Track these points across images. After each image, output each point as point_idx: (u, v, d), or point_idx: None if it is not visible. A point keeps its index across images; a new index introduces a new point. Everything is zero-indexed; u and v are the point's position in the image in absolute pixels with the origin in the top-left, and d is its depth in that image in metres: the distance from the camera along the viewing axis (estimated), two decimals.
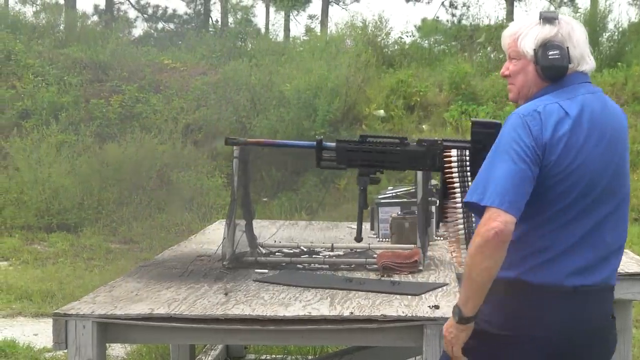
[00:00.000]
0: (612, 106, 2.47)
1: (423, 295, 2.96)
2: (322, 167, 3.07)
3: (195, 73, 15.33)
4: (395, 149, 2.93)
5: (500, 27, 18.71)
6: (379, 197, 4.51)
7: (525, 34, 2.43)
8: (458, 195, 2.67)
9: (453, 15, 27.49)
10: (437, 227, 4.36)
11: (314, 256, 3.75)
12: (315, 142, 3.04)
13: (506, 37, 2.51)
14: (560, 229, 2.30)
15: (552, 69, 2.37)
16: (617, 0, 39.12)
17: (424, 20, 23.36)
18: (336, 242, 4.11)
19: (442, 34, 19.89)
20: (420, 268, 3.43)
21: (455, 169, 2.70)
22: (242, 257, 3.61)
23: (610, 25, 17.34)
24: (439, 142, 2.87)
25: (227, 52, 16.55)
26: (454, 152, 2.74)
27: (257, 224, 3.98)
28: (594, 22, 17.00)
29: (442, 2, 27.39)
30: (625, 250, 4.15)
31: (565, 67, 2.37)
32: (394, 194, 4.49)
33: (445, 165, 2.73)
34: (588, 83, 2.43)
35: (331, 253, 3.81)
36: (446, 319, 2.50)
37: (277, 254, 3.80)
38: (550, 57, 2.36)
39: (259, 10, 31.73)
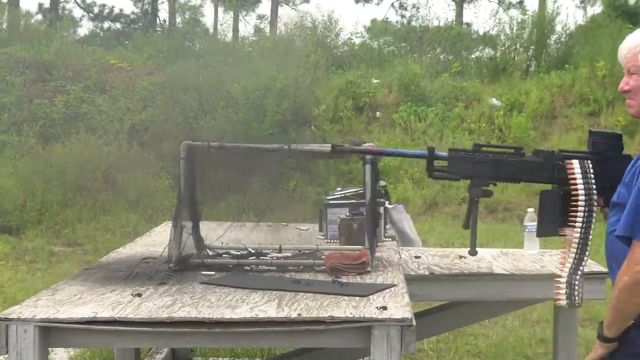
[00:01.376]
0: None
1: (371, 296, 2.95)
2: (434, 177, 2.94)
3: (142, 73, 15.17)
4: (511, 159, 2.81)
5: (449, 28, 18.93)
6: (328, 198, 4.50)
7: None
8: (581, 206, 2.60)
9: (403, 16, 27.73)
10: (385, 227, 4.41)
11: (261, 258, 3.72)
12: (427, 152, 2.91)
13: (624, 50, 2.47)
14: None
15: None
16: (564, 3, 39.74)
17: (373, 21, 23.51)
18: (284, 243, 4.08)
19: (391, 35, 20.02)
20: (369, 269, 3.42)
21: (580, 180, 2.62)
22: (189, 259, 3.56)
23: (558, 28, 17.66)
24: (557, 153, 2.79)
25: (175, 52, 16.39)
26: (575, 162, 2.65)
27: (204, 225, 3.93)
28: (542, 25, 17.29)
29: (392, 4, 27.61)
30: None
31: None
32: (342, 195, 4.49)
33: (570, 176, 2.64)
34: None
35: (279, 254, 3.79)
36: (394, 319, 2.53)
37: (224, 255, 3.75)
38: None
39: (208, 10, 31.50)
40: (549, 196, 2.73)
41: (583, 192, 2.62)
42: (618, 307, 2.31)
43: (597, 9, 21.71)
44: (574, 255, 2.62)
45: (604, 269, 3.85)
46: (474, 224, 2.90)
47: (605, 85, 14.49)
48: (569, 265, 2.62)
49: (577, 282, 2.60)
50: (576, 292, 2.61)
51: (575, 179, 2.63)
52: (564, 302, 2.62)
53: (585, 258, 2.62)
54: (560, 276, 2.62)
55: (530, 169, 2.80)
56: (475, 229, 2.93)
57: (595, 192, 2.63)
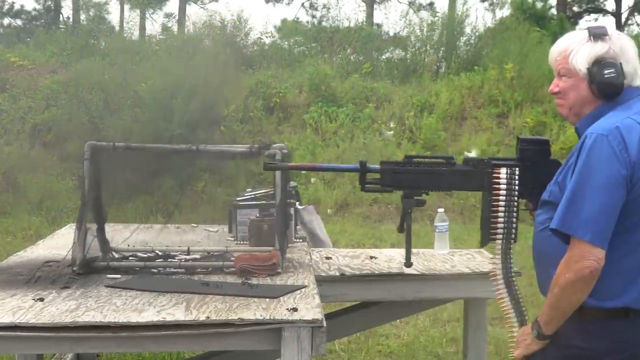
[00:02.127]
0: None
1: (281, 298, 2.93)
2: (366, 190, 2.96)
3: (44, 71, 14.78)
4: (442, 169, 2.86)
5: (360, 29, 19.09)
6: (237, 199, 4.45)
7: (576, 50, 2.42)
8: (501, 215, 2.68)
9: (313, 16, 27.85)
10: (296, 228, 4.38)
11: (169, 260, 3.66)
12: (359, 165, 2.91)
13: (555, 53, 2.50)
14: None
15: (609, 87, 2.37)
16: (474, 6, 40.64)
17: (284, 21, 23.50)
18: (193, 245, 4.03)
19: (302, 35, 20.03)
20: (279, 270, 3.40)
21: (503, 187, 2.69)
22: (94, 262, 3.47)
23: (468, 30, 18.01)
24: (487, 161, 2.82)
25: (79, 50, 16.02)
26: (503, 170, 2.71)
27: (109, 227, 3.85)
28: (452, 27, 17.60)
29: (302, 4, 27.69)
30: (480, 250, 4.30)
31: (622, 85, 2.37)
32: (252, 196, 4.44)
33: (494, 183, 2.70)
34: None
35: (187, 257, 3.73)
36: (305, 321, 2.56)
37: (130, 258, 3.69)
38: (606, 75, 2.36)
39: (113, 7, 30.93)
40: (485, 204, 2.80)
41: (504, 197, 2.70)
42: (559, 304, 2.35)
43: (505, 11, 22.28)
44: (500, 264, 2.71)
45: (514, 269, 3.91)
46: (407, 235, 2.95)
47: (513, 87, 14.86)
48: (502, 283, 2.71)
49: (521, 301, 2.72)
50: (523, 309, 2.72)
51: (498, 184, 2.71)
52: (515, 325, 2.72)
53: (510, 262, 2.71)
54: (502, 297, 2.73)
55: (461, 177, 2.86)
56: (410, 240, 2.99)
57: (516, 198, 2.71)
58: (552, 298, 2.36)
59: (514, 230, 2.71)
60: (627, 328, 2.36)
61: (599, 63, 2.39)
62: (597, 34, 2.42)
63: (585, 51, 2.42)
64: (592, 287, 2.28)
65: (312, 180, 12.36)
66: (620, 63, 2.39)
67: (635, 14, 31.96)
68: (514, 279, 2.71)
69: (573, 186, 2.30)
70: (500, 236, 2.69)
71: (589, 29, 2.47)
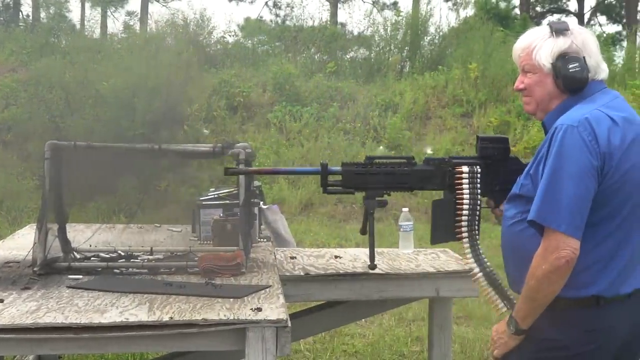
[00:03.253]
0: (632, 109, 2.50)
1: (245, 298, 2.92)
2: (329, 192, 2.98)
3: (3, 70, 14.60)
4: (403, 169, 2.88)
5: (324, 28, 19.11)
6: (201, 198, 4.42)
7: (539, 46, 2.45)
8: (465, 212, 2.71)
9: (277, 15, 27.84)
10: (260, 228, 4.36)
11: (132, 260, 3.62)
12: (320, 168, 2.92)
13: (518, 50, 2.52)
14: (621, 242, 2.39)
15: (575, 81, 2.40)
16: (438, 5, 40.91)
17: (247, 20, 23.46)
18: (156, 245, 3.99)
19: (265, 34, 20.01)
20: (243, 270, 3.39)
21: (466, 186, 2.72)
22: (55, 263, 3.44)
23: (432, 30, 18.11)
24: (447, 160, 2.84)
25: (39, 49, 15.83)
26: (465, 168, 2.74)
27: (71, 227, 3.82)
28: (416, 26, 17.68)
29: (266, 2, 27.66)
30: (445, 249, 4.31)
31: (586, 79, 2.41)
32: (216, 196, 4.41)
33: (456, 181, 2.73)
34: (608, 89, 2.47)
35: (150, 257, 3.70)
36: (269, 321, 2.56)
37: (92, 258, 3.65)
38: (571, 70, 2.40)
39: (74, 5, 30.62)
40: (442, 204, 2.83)
41: (468, 195, 2.73)
42: (535, 297, 2.36)
43: (469, 11, 22.47)
44: (473, 259, 2.72)
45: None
46: (371, 236, 2.97)
47: (477, 87, 14.97)
48: (479, 274, 2.71)
49: (506, 289, 2.71)
50: (512, 297, 2.70)
51: (461, 183, 2.73)
52: (504, 310, 2.70)
53: (482, 253, 2.73)
54: (486, 290, 2.71)
55: (422, 177, 2.89)
56: (373, 242, 3.00)
57: (479, 195, 2.75)
58: (529, 291, 2.37)
59: (477, 227, 2.74)
60: (599, 316, 2.40)
61: (562, 58, 2.42)
62: (559, 29, 2.46)
63: (549, 46, 2.45)
64: (567, 277, 2.31)
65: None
66: (584, 57, 2.42)
67: (598, 14, 32.44)
68: (492, 270, 2.72)
69: (546, 178, 2.32)
70: (466, 234, 2.72)
71: (550, 24, 2.50)
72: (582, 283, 2.36)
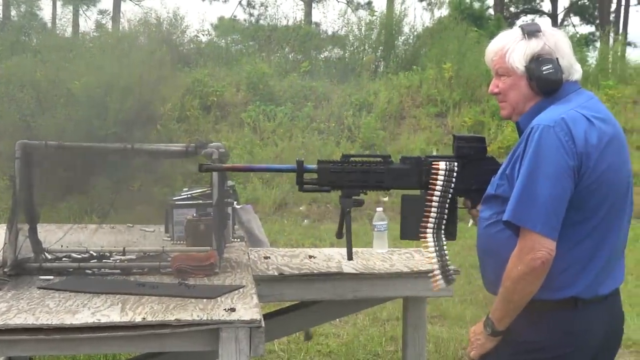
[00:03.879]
0: (607, 110, 2.50)
1: (219, 298, 2.90)
2: (305, 190, 2.95)
3: None
4: (379, 168, 2.86)
5: (298, 27, 19.09)
6: (174, 198, 4.39)
7: (512, 49, 2.45)
8: (434, 209, 2.72)
9: (251, 14, 27.80)
10: (234, 228, 4.34)
11: (104, 261, 3.59)
12: (295, 165, 2.90)
13: (491, 53, 2.52)
14: (599, 243, 2.38)
15: (549, 83, 2.40)
16: (412, 5, 41.05)
17: (221, 19, 23.41)
18: (128, 245, 3.96)
19: (239, 33, 19.97)
20: (216, 270, 3.37)
21: (440, 182, 2.72)
22: (25, 263, 3.40)
23: (406, 29, 18.16)
24: (423, 158, 2.83)
25: (10, 47, 15.67)
26: (442, 164, 2.73)
27: (42, 228, 3.77)
28: (390, 26, 17.72)
29: (240, 2, 27.61)
30: (420, 248, 4.31)
31: (560, 80, 2.41)
32: (189, 196, 4.39)
33: (432, 176, 2.72)
34: (582, 90, 2.48)
35: (123, 257, 3.67)
36: (243, 321, 2.55)
37: (64, 259, 3.61)
38: (545, 71, 2.39)
39: (45, 3, 30.37)
40: (411, 200, 2.83)
41: (439, 192, 2.73)
42: (511, 298, 2.36)
43: (443, 11, 22.58)
44: (432, 242, 2.74)
45: (452, 267, 3.94)
46: (348, 232, 2.95)
47: (452, 87, 15.05)
48: (433, 252, 2.74)
49: (447, 259, 2.74)
50: (450, 269, 2.74)
51: (437, 179, 2.73)
52: (441, 283, 2.73)
53: (446, 254, 2.75)
54: (432, 270, 2.75)
55: (398, 175, 2.87)
56: (350, 238, 2.99)
57: (454, 194, 2.75)
58: (505, 292, 2.37)
59: (444, 226, 2.75)
60: (576, 318, 2.40)
61: (536, 60, 2.42)
62: (531, 31, 2.46)
63: (521, 49, 2.45)
64: (543, 278, 2.31)
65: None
66: (557, 58, 2.43)
67: (571, 15, 32.76)
68: (452, 272, 2.74)
69: (522, 178, 2.32)
70: (431, 232, 2.73)
71: (521, 27, 2.50)
72: (560, 285, 2.36)
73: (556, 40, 2.46)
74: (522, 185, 2.31)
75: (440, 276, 2.73)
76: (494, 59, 2.52)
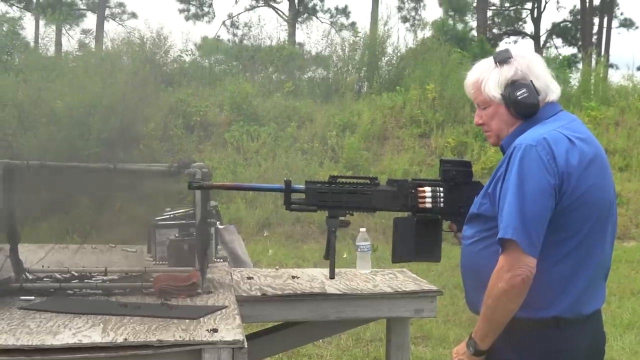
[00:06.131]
0: (589, 132, 2.52)
1: (201, 318, 2.89)
2: (292, 209, 2.97)
3: None
4: (366, 189, 2.89)
5: (282, 48, 19.13)
6: (156, 218, 4.37)
7: (486, 78, 2.48)
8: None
9: (234, 35, 27.90)
10: (217, 248, 4.32)
11: (86, 281, 3.56)
12: (283, 185, 2.92)
13: (469, 86, 2.54)
14: (581, 263, 2.38)
15: (526, 106, 2.42)
16: (395, 26, 41.29)
17: (204, 39, 23.45)
18: (110, 265, 3.92)
19: (223, 53, 19.99)
20: (199, 291, 3.35)
21: (429, 204, 2.76)
22: (6, 284, 3.37)
23: (389, 50, 18.23)
24: (410, 181, 2.86)
25: None
26: (428, 189, 2.77)
27: (23, 247, 3.74)
28: (374, 47, 17.79)
29: (223, 22, 27.69)
30: (403, 269, 4.31)
31: (537, 102, 2.43)
32: (172, 216, 4.37)
33: (420, 200, 2.76)
34: (563, 111, 2.50)
35: (105, 277, 3.64)
36: (225, 342, 2.55)
37: (45, 279, 3.58)
38: (519, 96, 2.42)
39: (28, 22, 30.28)
40: (403, 223, 2.86)
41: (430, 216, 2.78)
42: (493, 316, 2.36)
43: (427, 33, 22.70)
44: None
45: (434, 288, 3.94)
46: (332, 251, 2.99)
47: (435, 107, 15.11)
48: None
49: None
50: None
51: (425, 203, 2.78)
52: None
53: None
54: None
55: (384, 197, 2.91)
56: (334, 256, 3.02)
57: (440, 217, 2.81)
58: (487, 310, 2.37)
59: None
60: (558, 338, 2.40)
61: (510, 85, 2.45)
62: (503, 59, 2.49)
63: (495, 77, 2.48)
64: (524, 295, 2.31)
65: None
66: (531, 81, 2.45)
67: (554, 36, 33.07)
68: None
69: (505, 197, 2.33)
70: None
71: (493, 55, 2.53)
72: (542, 304, 2.37)
73: (528, 63, 2.48)
74: (505, 204, 2.32)
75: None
76: (472, 92, 2.56)
